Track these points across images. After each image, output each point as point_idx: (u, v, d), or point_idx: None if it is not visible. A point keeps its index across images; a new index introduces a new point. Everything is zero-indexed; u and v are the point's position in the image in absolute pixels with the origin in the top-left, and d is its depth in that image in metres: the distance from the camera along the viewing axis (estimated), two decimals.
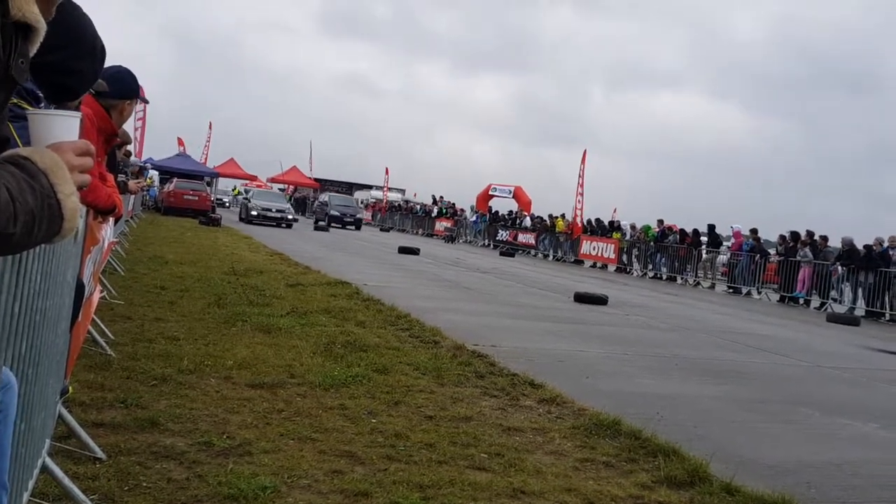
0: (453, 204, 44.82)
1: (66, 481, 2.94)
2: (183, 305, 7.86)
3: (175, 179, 34.30)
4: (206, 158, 49.01)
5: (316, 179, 58.38)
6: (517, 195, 41.41)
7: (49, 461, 2.95)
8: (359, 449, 3.95)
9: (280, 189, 57.78)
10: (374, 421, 4.48)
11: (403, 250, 22.44)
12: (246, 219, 32.50)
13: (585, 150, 31.57)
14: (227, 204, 55.05)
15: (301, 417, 4.40)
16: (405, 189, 58.80)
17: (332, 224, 38.35)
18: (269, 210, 32.10)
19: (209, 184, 39.88)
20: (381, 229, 45.08)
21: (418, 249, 23.02)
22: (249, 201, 33.89)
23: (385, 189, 52.63)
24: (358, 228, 39.95)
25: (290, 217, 32.62)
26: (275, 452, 3.77)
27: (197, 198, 32.12)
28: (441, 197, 46.76)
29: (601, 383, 6.49)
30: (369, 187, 56.94)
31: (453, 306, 10.68)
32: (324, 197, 45.64)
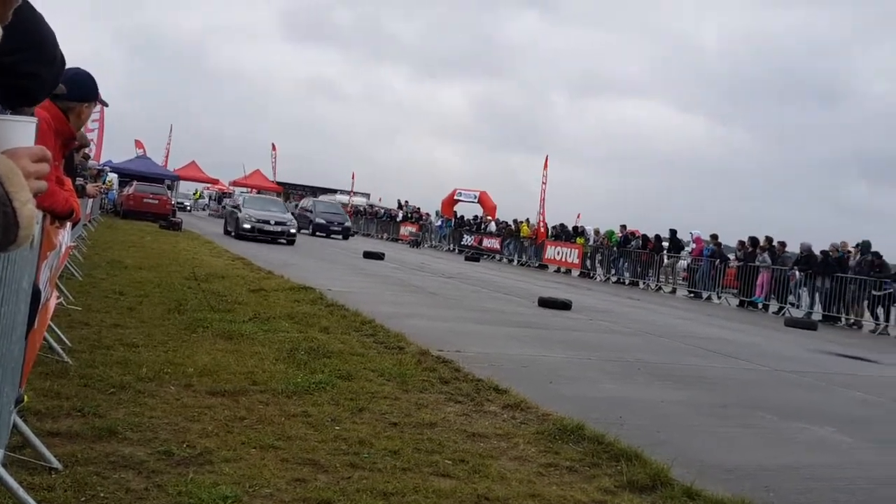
0: (418, 208, 44.83)
1: (21, 492, 2.86)
2: (142, 311, 7.73)
3: (135, 182, 33.75)
4: (166, 161, 48.35)
5: (279, 183, 57.87)
6: (482, 200, 41.56)
7: (3, 472, 2.88)
8: (322, 457, 3.92)
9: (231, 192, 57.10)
10: (337, 428, 4.44)
11: (368, 255, 22.34)
12: (235, 233, 25.25)
13: (547, 156, 31.88)
14: (189, 208, 54.30)
15: (263, 425, 4.35)
16: (370, 193, 58.59)
17: (317, 233, 34.31)
18: (267, 222, 24.79)
19: (170, 187, 39.36)
20: None
21: (383, 254, 22.96)
22: (240, 210, 25.80)
23: (351, 193, 52.39)
24: (345, 238, 35.14)
25: (292, 231, 25.35)
26: (236, 461, 3.72)
27: (157, 201, 31.64)
28: (406, 201, 46.75)
29: (565, 388, 6.54)
30: (334, 191, 56.54)
31: (418, 311, 10.67)
32: (307, 203, 39.59)
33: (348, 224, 37.45)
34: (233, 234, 25.76)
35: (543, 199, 30.76)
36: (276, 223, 24.93)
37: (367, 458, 3.96)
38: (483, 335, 9.17)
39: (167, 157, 49.41)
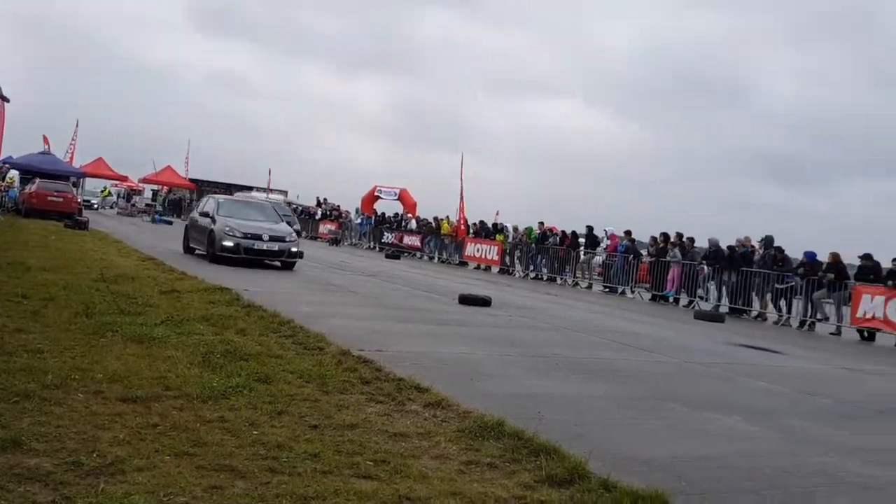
0: (338, 206, 44.41)
1: None
2: (47, 315, 7.39)
3: (38, 180, 32.23)
4: (71, 157, 46.33)
5: (192, 180, 56.33)
6: (402, 197, 41.54)
7: None
8: (240, 462, 3.84)
9: (152, 190, 55.33)
10: (255, 432, 4.36)
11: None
12: (211, 254, 17.14)
13: (463, 154, 32.18)
14: (96, 206, 52.26)
15: (178, 432, 4.23)
16: (287, 190, 57.64)
17: None
18: (258, 238, 16.97)
19: (75, 184, 37.81)
20: None
21: (302, 253, 22.60)
22: (213, 221, 17.55)
23: (267, 190, 51.43)
24: None
25: (293, 249, 17.63)
26: (149, 470, 3.61)
27: (62, 199, 30.36)
28: (325, 199, 46.26)
29: (485, 385, 6.60)
30: (250, 188, 55.30)
31: (338, 311, 10.57)
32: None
33: (297, 226, 31.98)
34: (202, 253, 17.96)
35: (462, 196, 30.99)
36: (272, 238, 17.19)
37: (287, 462, 3.90)
38: (404, 333, 9.17)
39: (72, 153, 47.35)
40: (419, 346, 8.28)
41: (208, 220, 17.85)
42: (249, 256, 16.82)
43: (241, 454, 3.97)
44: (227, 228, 16.98)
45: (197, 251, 18.47)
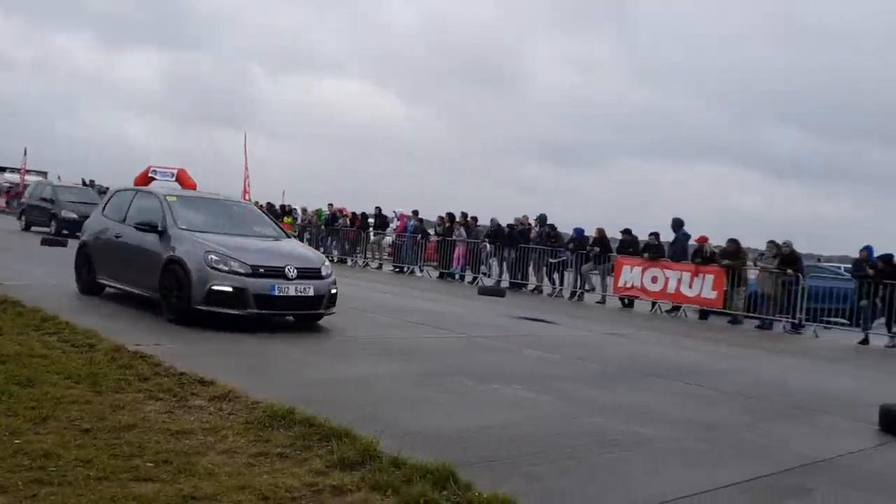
0: (107, 188, 41.16)
1: None
2: None
3: None
4: None
5: None
6: (181, 178, 39.22)
7: None
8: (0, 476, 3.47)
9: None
10: (17, 441, 3.96)
11: (48, 241, 19.87)
12: (179, 307, 8.55)
13: (245, 134, 31.21)
14: None
15: None
16: (47, 171, 52.39)
17: (64, 231, 24.08)
18: (281, 274, 8.71)
19: None
20: (19, 218, 39.50)
21: (66, 241, 20.68)
22: (174, 242, 9.00)
23: (23, 172, 46.43)
24: None
25: (333, 291, 9.34)
26: None
27: None
28: (92, 181, 42.67)
29: (275, 373, 6.48)
30: (3, 169, 49.65)
31: (110, 304, 9.82)
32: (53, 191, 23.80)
33: None
34: (117, 289, 10.08)
35: (247, 176, 30.01)
36: (302, 274, 8.99)
37: (55, 472, 3.59)
38: (185, 324, 8.72)
39: None
40: (202, 337, 7.91)
41: (154, 237, 9.32)
42: (266, 312, 8.74)
43: (0, 467, 3.58)
44: (215, 258, 8.63)
45: (112, 288, 10.21)
